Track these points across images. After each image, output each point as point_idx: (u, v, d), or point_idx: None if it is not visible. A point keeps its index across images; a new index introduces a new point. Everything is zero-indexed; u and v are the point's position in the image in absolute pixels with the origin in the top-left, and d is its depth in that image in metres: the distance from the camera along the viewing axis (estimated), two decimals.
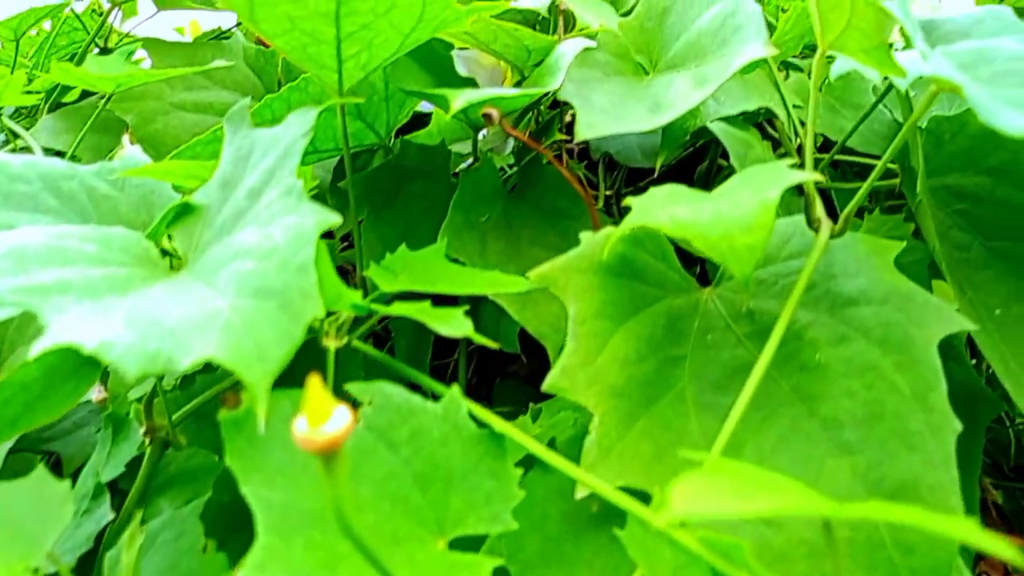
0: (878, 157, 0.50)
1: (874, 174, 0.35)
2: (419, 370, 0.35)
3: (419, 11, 0.37)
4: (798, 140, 0.49)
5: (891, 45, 0.37)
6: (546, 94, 0.48)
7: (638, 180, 0.64)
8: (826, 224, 0.35)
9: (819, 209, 0.35)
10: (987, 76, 0.32)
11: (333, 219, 0.27)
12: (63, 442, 0.57)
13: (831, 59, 0.46)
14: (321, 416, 0.18)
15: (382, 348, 0.57)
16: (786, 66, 0.60)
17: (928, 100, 0.33)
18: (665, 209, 0.34)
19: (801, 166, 0.49)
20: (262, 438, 0.27)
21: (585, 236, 0.38)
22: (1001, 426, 0.72)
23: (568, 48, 0.46)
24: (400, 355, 0.52)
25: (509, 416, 0.34)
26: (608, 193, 0.60)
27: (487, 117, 0.35)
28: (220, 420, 0.27)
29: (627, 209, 0.37)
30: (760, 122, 0.53)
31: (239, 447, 0.27)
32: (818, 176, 0.33)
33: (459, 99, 0.36)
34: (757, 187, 0.34)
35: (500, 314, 0.46)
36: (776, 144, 0.58)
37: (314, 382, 0.18)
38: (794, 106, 0.50)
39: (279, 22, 0.37)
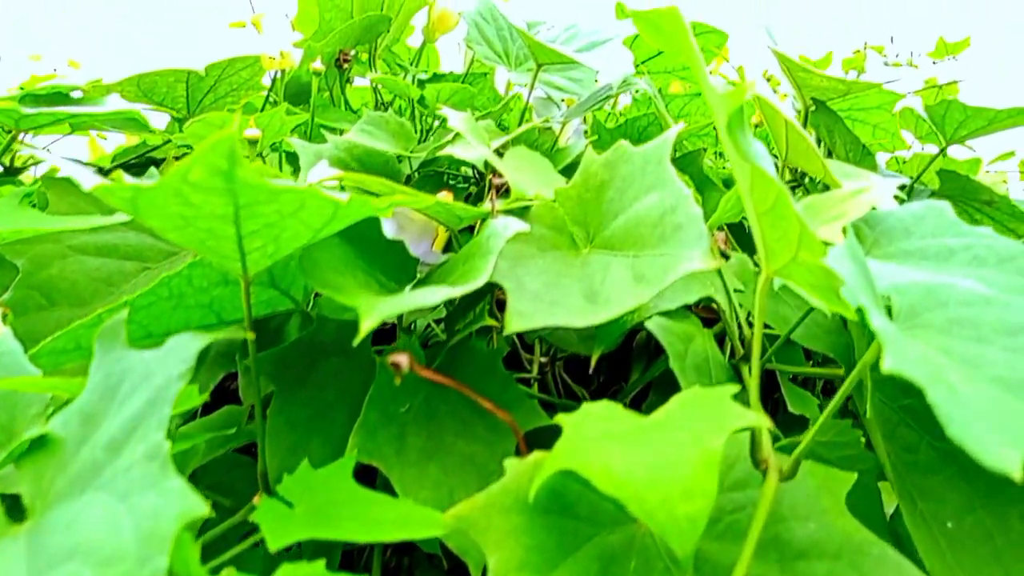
0: (833, 362, 0.48)
1: (830, 408, 0.32)
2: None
3: (331, 211, 0.34)
4: (739, 325, 0.47)
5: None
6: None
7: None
8: (774, 467, 0.32)
9: (767, 448, 0.32)
10: (941, 323, 0.30)
11: (199, 510, 0.23)
12: None
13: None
14: None
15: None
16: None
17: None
18: (598, 452, 0.30)
19: (746, 358, 0.47)
20: None
21: (510, 466, 0.34)
22: None
23: (501, 230, 0.43)
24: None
25: None
26: (543, 360, 0.57)
27: (395, 367, 0.31)
28: None
29: (557, 427, 0.33)
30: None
31: None
32: (766, 421, 0.30)
33: (371, 318, 0.32)
34: (698, 427, 0.30)
35: None
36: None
37: None
38: (735, 290, 0.48)
39: (170, 220, 0.33)
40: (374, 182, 0.47)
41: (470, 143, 0.54)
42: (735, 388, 0.32)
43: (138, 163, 0.80)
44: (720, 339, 0.55)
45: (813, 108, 0.75)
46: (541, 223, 0.49)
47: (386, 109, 1.03)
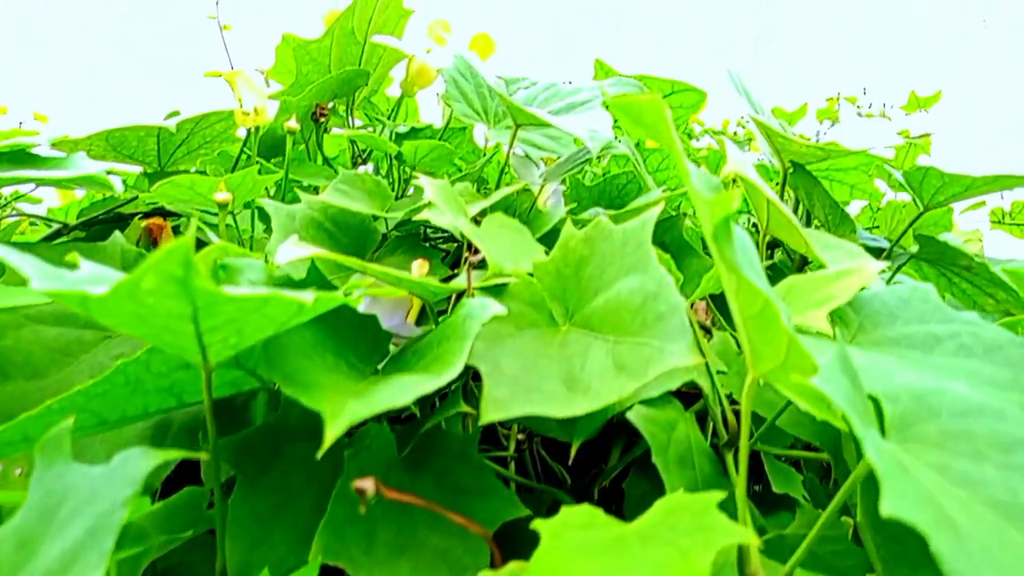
0: (813, 448, 0.47)
1: (823, 519, 0.31)
2: None
3: (296, 308, 0.32)
4: (723, 410, 0.45)
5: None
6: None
7: None
8: None
9: (755, 563, 0.30)
10: (935, 436, 0.28)
11: None
12: None
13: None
14: None
15: None
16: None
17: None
18: (578, 568, 0.28)
19: (730, 445, 0.45)
20: None
21: None
22: None
23: (478, 312, 0.42)
24: None
25: None
26: (520, 437, 0.55)
27: (360, 493, 0.29)
28: None
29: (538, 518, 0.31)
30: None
31: None
32: (754, 539, 0.28)
33: (337, 425, 0.30)
34: (683, 542, 0.29)
35: None
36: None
37: None
38: (718, 372, 0.47)
39: (124, 318, 0.31)
40: (346, 260, 0.46)
41: (445, 213, 0.52)
42: (720, 495, 0.31)
43: (106, 219, 0.78)
44: (701, 415, 0.54)
45: (791, 170, 0.75)
46: (519, 299, 0.48)
47: (364, 161, 1.02)
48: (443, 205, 0.52)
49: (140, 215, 0.69)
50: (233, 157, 0.94)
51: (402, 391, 0.34)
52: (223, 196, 0.59)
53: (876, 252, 0.77)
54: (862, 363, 0.36)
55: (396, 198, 0.93)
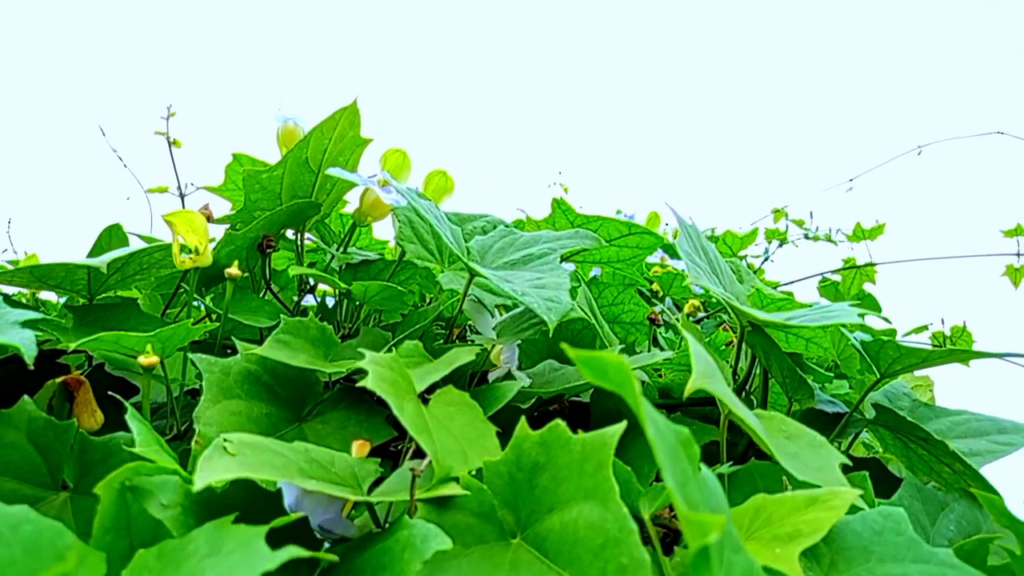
0: None
1: None
2: None
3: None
4: None
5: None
6: None
7: None
8: None
9: None
10: None
11: None
12: None
13: None
14: None
15: None
16: None
17: None
18: None
19: None
20: None
21: None
22: None
23: (419, 545, 0.37)
24: None
25: None
26: None
27: None
28: None
29: None
30: None
31: None
32: None
33: None
34: None
35: None
36: None
37: None
38: None
39: None
40: (273, 471, 0.41)
41: (388, 398, 0.49)
42: None
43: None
44: None
45: (750, 329, 0.74)
46: (467, 510, 0.44)
47: (312, 288, 0.98)
48: (386, 392, 0.48)
49: (60, 384, 0.63)
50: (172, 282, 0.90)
51: None
52: (149, 360, 0.54)
53: (835, 418, 0.75)
54: None
55: (350, 331, 0.89)
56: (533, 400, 0.71)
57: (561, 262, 0.74)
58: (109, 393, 0.60)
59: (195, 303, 0.87)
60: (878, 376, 0.73)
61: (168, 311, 0.85)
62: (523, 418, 0.46)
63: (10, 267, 1.17)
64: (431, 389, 0.55)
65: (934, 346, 1.78)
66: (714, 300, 1.34)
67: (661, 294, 1.44)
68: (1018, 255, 1.58)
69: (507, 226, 0.86)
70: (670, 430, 0.33)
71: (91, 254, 0.97)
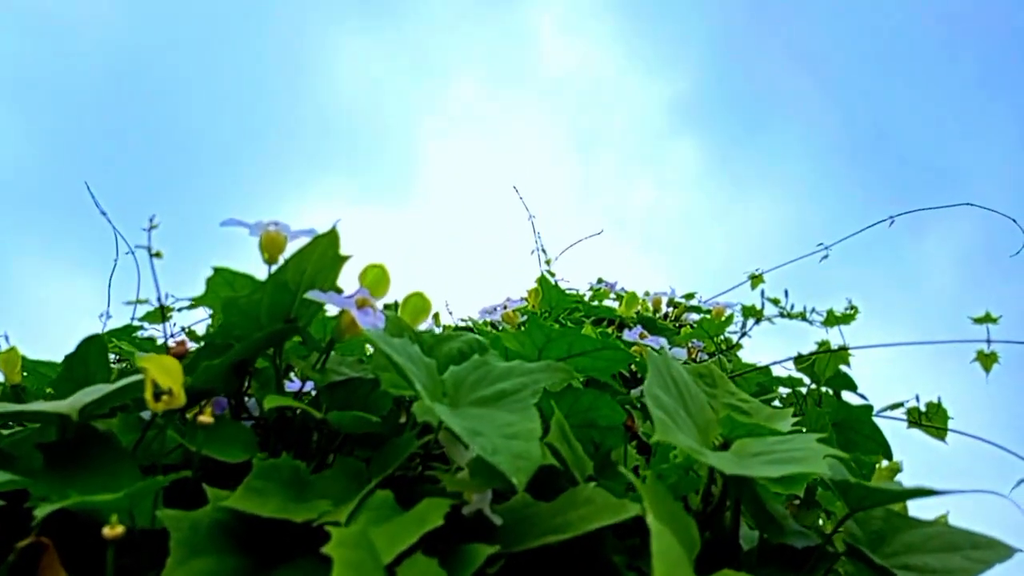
0: None
1: None
2: None
3: None
4: None
5: None
6: None
7: None
8: None
9: None
10: None
11: None
12: None
13: None
14: None
15: None
16: None
17: None
18: None
19: None
20: None
21: None
22: None
23: None
24: None
25: None
26: None
27: None
28: None
29: None
30: None
31: None
32: None
33: None
34: None
35: None
36: None
37: None
38: None
39: None
40: None
41: None
42: None
43: None
44: None
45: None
46: None
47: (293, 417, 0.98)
48: None
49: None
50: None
51: None
52: (114, 533, 0.54)
53: (806, 552, 0.76)
54: None
55: (323, 459, 0.89)
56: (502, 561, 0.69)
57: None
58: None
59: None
60: (848, 511, 0.74)
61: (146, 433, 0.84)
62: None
63: None
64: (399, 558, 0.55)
65: (910, 422, 1.79)
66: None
67: (640, 376, 1.45)
68: (987, 342, 1.60)
69: (483, 350, 0.87)
70: None
71: (68, 362, 0.97)
